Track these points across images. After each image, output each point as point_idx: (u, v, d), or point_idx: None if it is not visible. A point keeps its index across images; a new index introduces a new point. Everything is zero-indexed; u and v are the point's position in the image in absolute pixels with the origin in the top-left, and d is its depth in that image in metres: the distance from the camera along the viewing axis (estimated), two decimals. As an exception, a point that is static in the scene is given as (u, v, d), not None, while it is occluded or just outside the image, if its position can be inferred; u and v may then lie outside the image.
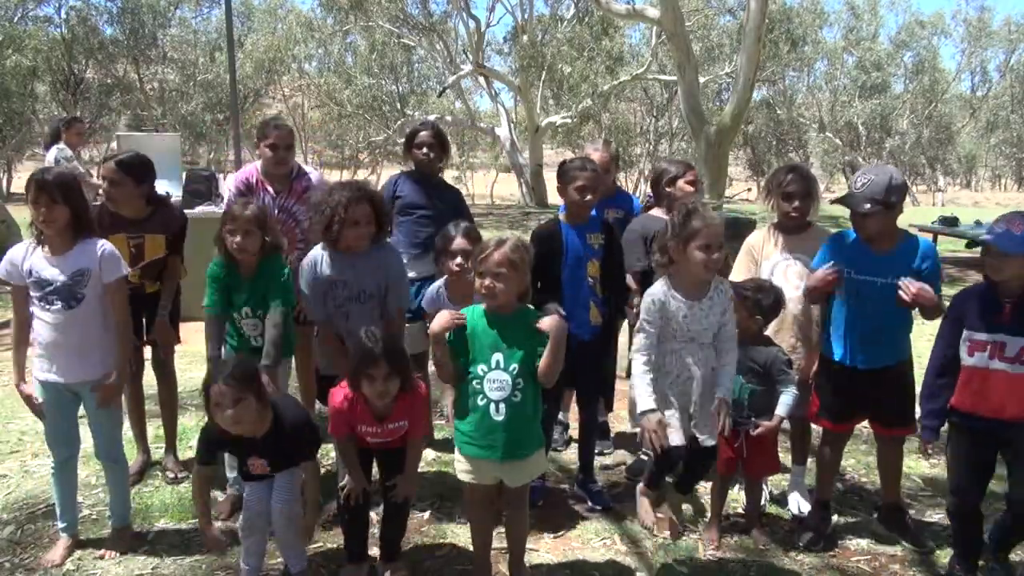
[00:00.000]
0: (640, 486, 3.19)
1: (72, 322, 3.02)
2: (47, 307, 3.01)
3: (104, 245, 3.09)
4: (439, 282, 3.69)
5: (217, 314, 3.40)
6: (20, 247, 3.10)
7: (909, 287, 2.97)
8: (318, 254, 3.31)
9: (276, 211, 3.97)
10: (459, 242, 3.45)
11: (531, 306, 2.88)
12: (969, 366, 2.88)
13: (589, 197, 3.51)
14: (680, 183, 3.84)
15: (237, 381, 2.65)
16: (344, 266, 3.27)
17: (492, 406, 2.78)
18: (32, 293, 3.03)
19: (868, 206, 3.04)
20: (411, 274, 3.83)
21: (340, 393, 2.89)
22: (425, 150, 4.19)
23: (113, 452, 3.27)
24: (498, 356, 2.77)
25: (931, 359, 3.02)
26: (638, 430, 3.18)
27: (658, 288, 2.96)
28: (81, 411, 3.21)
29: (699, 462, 3.09)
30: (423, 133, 4.24)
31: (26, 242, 3.11)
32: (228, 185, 4.11)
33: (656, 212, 3.94)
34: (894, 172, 3.13)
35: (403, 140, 4.41)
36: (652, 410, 2.85)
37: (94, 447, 3.24)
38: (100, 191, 3.61)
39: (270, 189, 4.04)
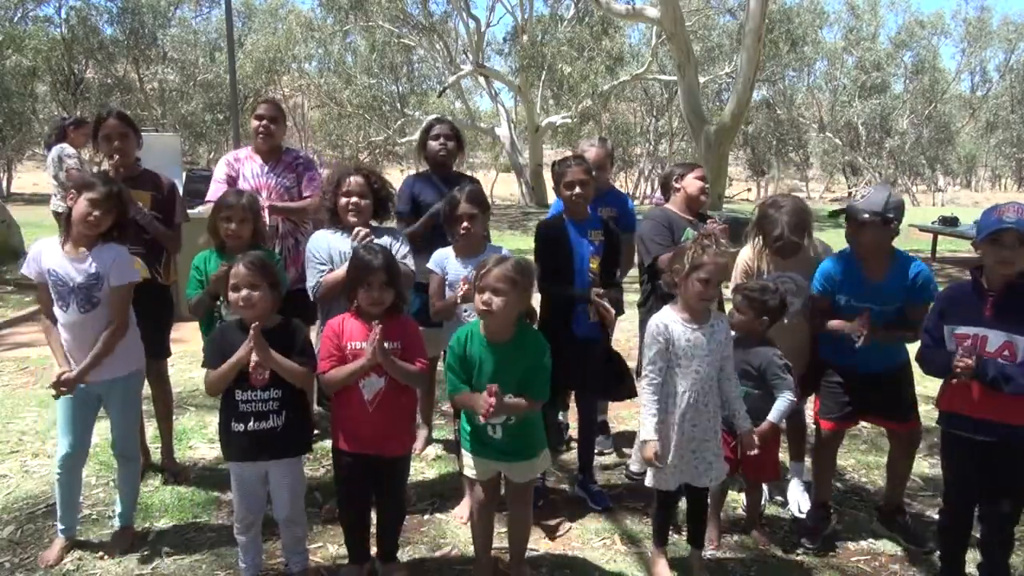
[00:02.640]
0: (652, 548, 3.21)
1: (88, 325, 3.05)
2: (64, 308, 3.04)
3: (121, 251, 3.11)
4: (447, 248, 3.58)
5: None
6: (42, 244, 3.12)
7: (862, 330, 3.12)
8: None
9: (263, 178, 4.12)
10: (464, 207, 3.41)
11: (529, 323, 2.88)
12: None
13: (579, 191, 3.53)
14: (688, 177, 3.90)
15: (255, 267, 2.77)
16: None
17: (489, 428, 2.84)
18: (52, 293, 3.05)
19: (867, 215, 3.14)
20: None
21: (336, 318, 2.95)
22: (442, 140, 4.14)
23: (129, 448, 3.31)
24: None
25: (917, 354, 2.96)
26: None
27: (663, 313, 3.00)
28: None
29: (698, 503, 3.11)
30: (439, 125, 4.21)
31: (51, 239, 3.14)
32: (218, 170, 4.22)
33: (669, 206, 3.98)
34: (893, 191, 3.26)
35: (416, 137, 4.40)
36: (652, 440, 2.88)
37: (111, 441, 3.28)
38: (113, 150, 3.65)
39: (257, 160, 4.17)
